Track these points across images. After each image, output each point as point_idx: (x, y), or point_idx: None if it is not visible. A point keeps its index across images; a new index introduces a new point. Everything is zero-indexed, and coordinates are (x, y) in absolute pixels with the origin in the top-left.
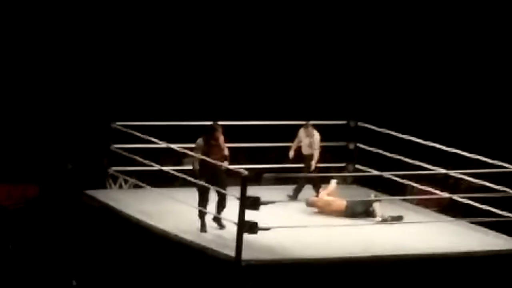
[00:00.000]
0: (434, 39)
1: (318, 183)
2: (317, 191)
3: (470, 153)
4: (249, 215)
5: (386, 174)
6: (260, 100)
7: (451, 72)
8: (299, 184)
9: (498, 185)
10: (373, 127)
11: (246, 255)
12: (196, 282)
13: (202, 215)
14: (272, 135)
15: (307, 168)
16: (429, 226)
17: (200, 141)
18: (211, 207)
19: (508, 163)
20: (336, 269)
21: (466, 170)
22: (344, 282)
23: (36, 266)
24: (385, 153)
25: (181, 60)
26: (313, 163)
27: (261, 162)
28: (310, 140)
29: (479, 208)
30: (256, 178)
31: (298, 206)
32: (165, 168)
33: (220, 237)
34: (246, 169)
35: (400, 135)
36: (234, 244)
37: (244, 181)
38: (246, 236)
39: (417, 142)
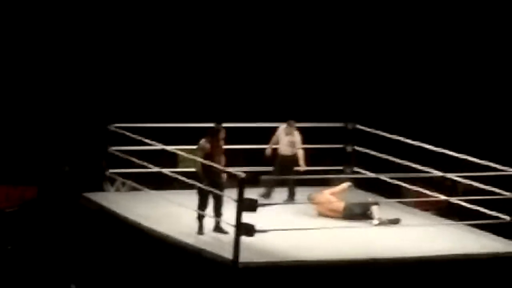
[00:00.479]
0: (431, 43)
1: (293, 186)
2: (293, 194)
3: (468, 155)
4: (247, 217)
5: (384, 177)
6: (257, 102)
7: (449, 74)
8: (270, 187)
9: (495, 187)
10: (370, 130)
11: (243, 257)
12: (193, 284)
13: (201, 217)
14: (269, 137)
15: (287, 169)
16: (427, 229)
17: (203, 142)
18: (210, 209)
19: (507, 166)
20: (333, 272)
21: (464, 172)
22: (341, 285)
23: (34, 269)
24: (382, 155)
25: (178, 62)
26: (303, 163)
27: (258, 164)
28: (291, 139)
29: (477, 210)
30: (254, 180)
31: (295, 209)
32: (162, 170)
33: (218, 239)
34: (243, 171)
35: (397, 138)
36: (231, 246)
37: (241, 184)
38: (243, 239)
39: (414, 145)
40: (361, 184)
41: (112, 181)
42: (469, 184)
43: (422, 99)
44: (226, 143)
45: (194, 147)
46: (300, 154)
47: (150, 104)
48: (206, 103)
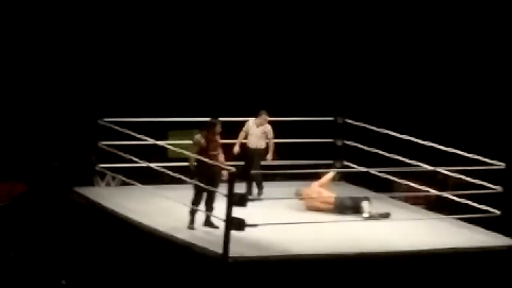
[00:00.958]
0: (418, 36)
1: (261, 180)
2: (261, 188)
3: (457, 149)
4: (237, 211)
5: (374, 171)
6: (246, 97)
7: (438, 68)
8: (250, 181)
9: (485, 181)
10: (360, 124)
11: (233, 252)
12: (183, 279)
13: (193, 212)
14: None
15: (257, 162)
16: (417, 223)
17: (198, 136)
18: (202, 204)
19: (496, 160)
20: (323, 266)
21: (454, 167)
22: (331, 279)
23: (25, 264)
24: (372, 149)
25: (168, 56)
26: (272, 154)
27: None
28: (263, 131)
29: (467, 204)
30: (245, 175)
31: (285, 203)
32: (152, 165)
33: (208, 234)
34: (233, 166)
35: (387, 132)
36: (221, 241)
37: (231, 178)
38: (233, 233)
39: (404, 139)
40: (351, 178)
41: (102, 175)
42: (459, 178)
43: (412, 93)
44: (224, 138)
45: (187, 130)
46: (272, 145)
47: (139, 98)
48: (197, 97)
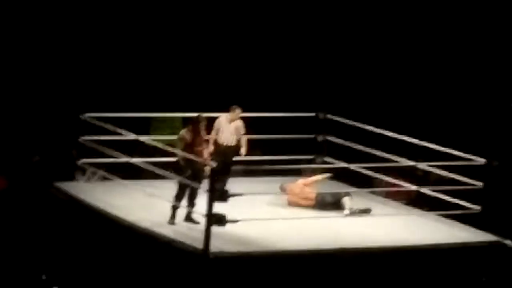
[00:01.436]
0: (401, 31)
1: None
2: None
3: (438, 145)
4: (218, 207)
5: (355, 166)
6: (228, 93)
7: (419, 64)
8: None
9: (465, 177)
10: (342, 120)
11: (214, 247)
12: (164, 274)
13: (175, 208)
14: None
15: (230, 160)
16: (397, 218)
17: (183, 132)
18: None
19: (476, 155)
20: (304, 261)
21: (435, 162)
22: (312, 274)
23: (5, 259)
24: (354, 145)
25: (152, 50)
26: (246, 149)
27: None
28: (236, 127)
29: (447, 200)
30: (225, 170)
31: (267, 199)
32: (134, 160)
33: (189, 229)
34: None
35: (369, 128)
36: (202, 236)
37: (212, 174)
38: (214, 228)
39: (386, 135)
40: (332, 174)
41: (83, 170)
42: (440, 174)
43: (393, 88)
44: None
45: (169, 114)
46: (246, 140)
47: (122, 93)
48: (179, 93)
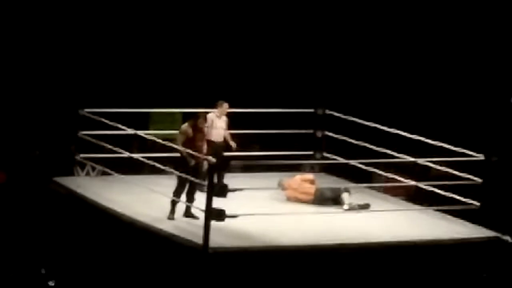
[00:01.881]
0: (399, 28)
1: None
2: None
3: (437, 141)
4: (217, 202)
5: (354, 162)
6: (226, 88)
7: (418, 60)
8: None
9: (464, 173)
10: (340, 115)
11: (213, 242)
12: (163, 269)
13: (174, 203)
14: (237, 123)
15: (219, 154)
16: (396, 214)
17: (185, 126)
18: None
19: (475, 151)
20: (303, 257)
21: (434, 158)
22: (311, 270)
23: (4, 254)
24: (353, 141)
25: (149, 46)
26: (233, 142)
27: (227, 149)
28: (225, 121)
29: (446, 196)
30: (224, 165)
31: (266, 194)
32: (133, 155)
33: (188, 224)
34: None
35: (368, 123)
36: (201, 231)
37: (211, 169)
38: (213, 224)
39: (384, 130)
40: (331, 169)
41: (82, 165)
42: (440, 170)
43: (391, 84)
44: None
45: (167, 110)
46: (229, 134)
47: (120, 89)
48: (176, 88)
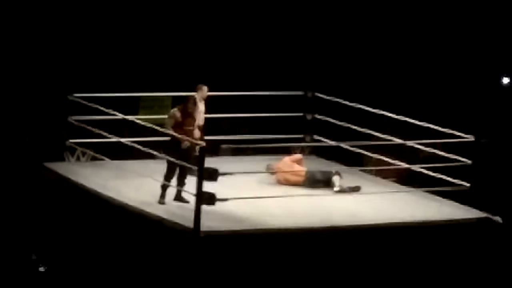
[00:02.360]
0: (389, 9)
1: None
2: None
3: (427, 122)
4: (207, 186)
5: (344, 145)
6: (217, 71)
7: (408, 42)
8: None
9: (454, 154)
10: (330, 98)
11: (204, 226)
12: (155, 253)
13: (165, 187)
14: (227, 106)
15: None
16: (387, 196)
17: (174, 110)
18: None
19: (465, 133)
20: (294, 239)
21: (423, 140)
22: (302, 252)
23: None
24: (343, 123)
25: (139, 31)
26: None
27: (217, 133)
28: (204, 104)
29: (436, 177)
30: (214, 149)
31: (256, 177)
32: (122, 140)
33: (179, 208)
34: (203, 140)
35: (357, 106)
36: (192, 215)
37: (201, 153)
38: (204, 207)
39: (374, 113)
40: (321, 152)
41: (72, 151)
42: (430, 151)
43: (381, 66)
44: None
45: (156, 94)
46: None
47: (110, 73)
48: (167, 72)
